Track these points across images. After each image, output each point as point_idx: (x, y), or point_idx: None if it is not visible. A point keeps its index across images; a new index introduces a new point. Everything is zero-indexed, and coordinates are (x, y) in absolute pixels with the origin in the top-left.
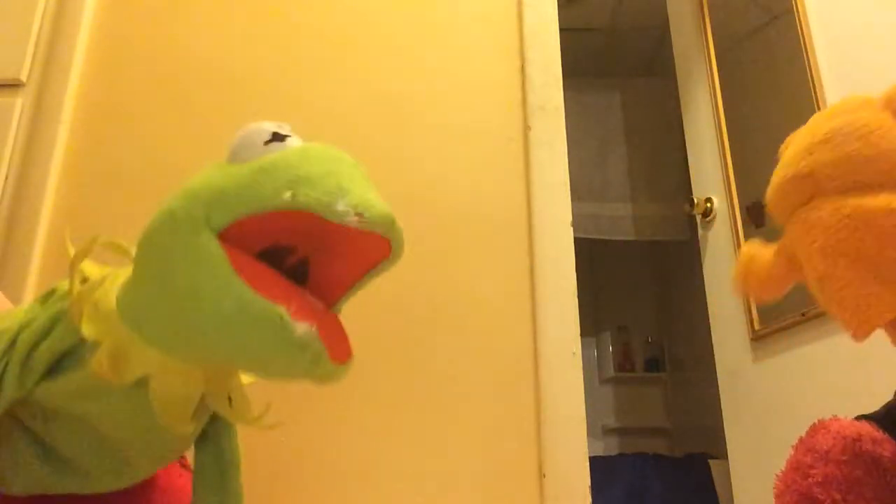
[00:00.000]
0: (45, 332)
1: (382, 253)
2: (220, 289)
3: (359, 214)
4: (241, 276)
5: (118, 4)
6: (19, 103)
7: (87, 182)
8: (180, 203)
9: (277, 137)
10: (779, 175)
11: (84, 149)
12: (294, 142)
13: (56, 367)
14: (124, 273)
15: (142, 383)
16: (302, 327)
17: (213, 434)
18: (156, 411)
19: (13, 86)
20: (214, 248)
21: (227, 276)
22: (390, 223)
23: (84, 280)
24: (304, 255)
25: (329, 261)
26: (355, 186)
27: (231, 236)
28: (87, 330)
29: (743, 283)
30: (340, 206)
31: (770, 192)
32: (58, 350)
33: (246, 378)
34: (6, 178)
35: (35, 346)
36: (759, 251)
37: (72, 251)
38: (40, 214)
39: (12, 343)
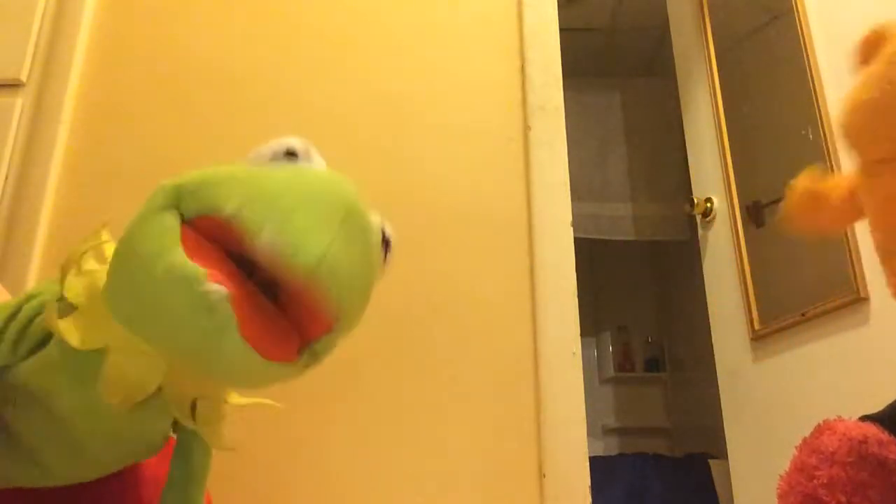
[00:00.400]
0: (41, 309)
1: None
2: (159, 254)
3: (276, 252)
4: (184, 248)
5: (118, 4)
6: (19, 103)
7: (87, 182)
8: (168, 183)
9: (290, 154)
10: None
11: (84, 149)
12: (304, 162)
13: (43, 344)
14: None
15: (102, 358)
16: (213, 287)
17: (185, 447)
18: (101, 384)
19: (13, 86)
20: (171, 221)
21: (170, 244)
22: (308, 274)
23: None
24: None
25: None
26: (306, 226)
27: (203, 230)
28: (67, 289)
29: (809, 216)
30: (264, 236)
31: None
32: (47, 328)
33: (237, 399)
34: (6, 178)
35: (34, 318)
36: (818, 184)
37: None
38: (40, 214)
39: (14, 315)
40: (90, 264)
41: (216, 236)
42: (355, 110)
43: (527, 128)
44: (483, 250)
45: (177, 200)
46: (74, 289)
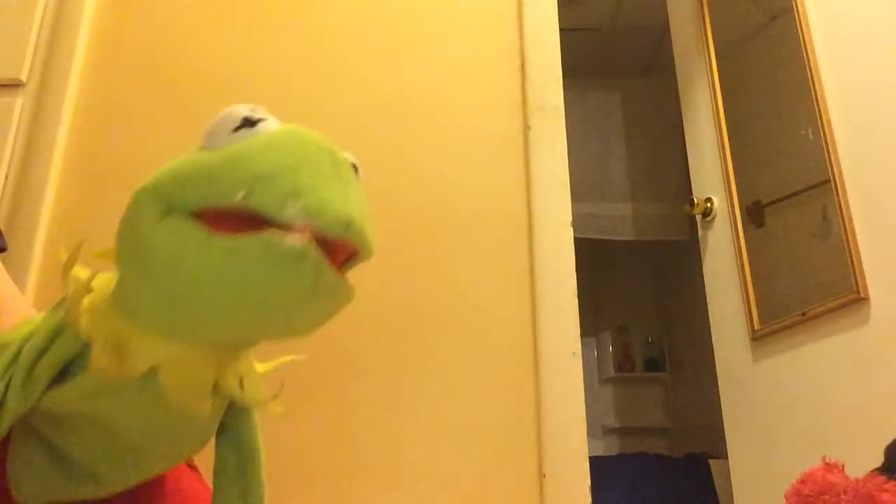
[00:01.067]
0: (48, 343)
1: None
2: (202, 248)
3: (310, 218)
4: (216, 231)
5: (118, 4)
6: (19, 103)
7: (87, 182)
8: (145, 190)
9: (247, 123)
10: None
11: (84, 149)
12: (266, 126)
13: (63, 375)
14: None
15: (153, 375)
16: (294, 238)
17: (232, 427)
18: (170, 399)
19: (13, 86)
20: (182, 220)
21: (204, 236)
22: (345, 226)
23: (78, 283)
24: None
25: None
26: (315, 183)
27: (208, 220)
28: (84, 328)
29: None
30: (290, 210)
31: None
32: (62, 360)
33: (260, 366)
34: (6, 178)
35: (38, 358)
36: None
37: (63, 257)
38: (40, 214)
39: (15, 357)
40: (92, 293)
41: (224, 222)
42: (355, 110)
43: (527, 128)
44: (483, 250)
45: (167, 201)
46: (90, 326)
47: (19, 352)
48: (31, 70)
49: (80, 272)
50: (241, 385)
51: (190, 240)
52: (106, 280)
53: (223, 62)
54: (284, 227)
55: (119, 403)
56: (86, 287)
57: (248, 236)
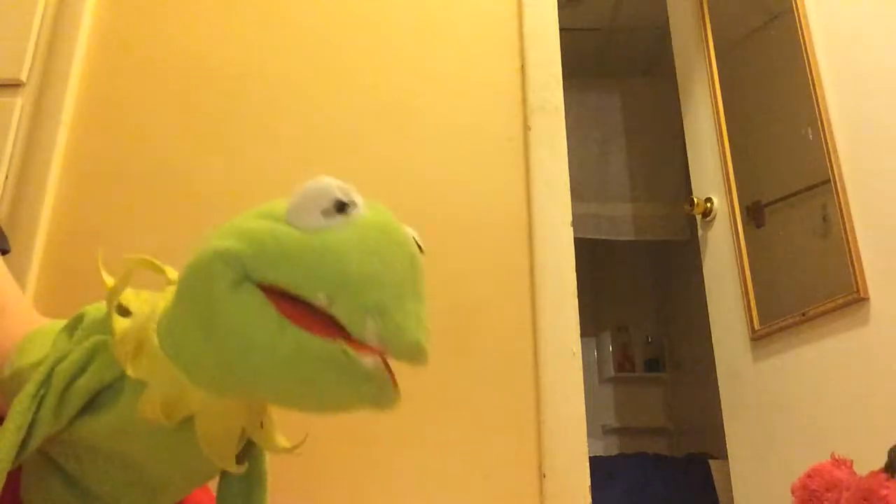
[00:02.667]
0: (83, 366)
1: None
2: (273, 335)
3: (385, 342)
4: (289, 320)
5: (118, 4)
6: (19, 103)
7: (87, 182)
8: (220, 255)
9: (339, 207)
10: None
11: (84, 149)
12: (357, 212)
13: (94, 403)
14: (163, 302)
15: (189, 422)
16: (368, 360)
17: (241, 453)
18: (203, 449)
19: (13, 86)
20: (258, 297)
21: (277, 321)
22: (415, 353)
23: (122, 311)
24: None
25: None
26: (395, 303)
27: (279, 292)
28: (134, 371)
29: None
30: (370, 331)
31: None
32: (95, 386)
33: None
34: (6, 178)
35: (72, 380)
36: None
37: (108, 279)
38: (40, 214)
39: (48, 377)
40: (141, 332)
41: (297, 305)
42: (355, 110)
43: (527, 128)
44: (483, 250)
45: (243, 271)
46: (141, 370)
47: (51, 371)
48: (31, 70)
49: (125, 297)
50: (262, 425)
51: (262, 323)
52: (150, 305)
53: (223, 62)
54: (358, 339)
55: (150, 444)
56: (135, 328)
57: (323, 340)
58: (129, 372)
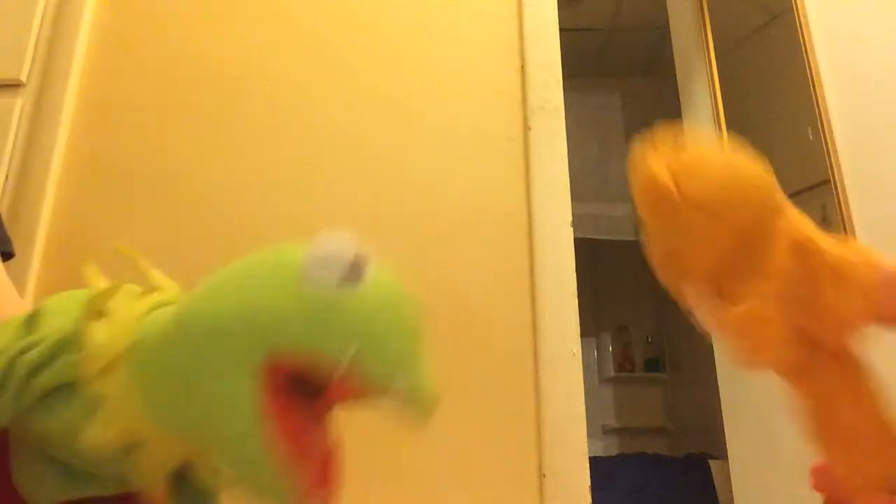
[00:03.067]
0: (48, 360)
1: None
2: (244, 432)
3: (403, 399)
4: (269, 420)
5: (118, 4)
6: (19, 103)
7: (87, 182)
8: (225, 332)
9: (354, 274)
10: None
11: (84, 149)
12: (367, 273)
13: (51, 396)
14: (142, 308)
15: (130, 451)
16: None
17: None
18: (136, 472)
19: (13, 86)
20: (249, 387)
21: (253, 420)
22: (431, 406)
23: (99, 314)
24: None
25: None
26: (417, 356)
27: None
28: (101, 387)
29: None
30: (395, 387)
31: None
32: (57, 380)
33: None
34: (6, 178)
35: (35, 371)
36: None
37: (93, 285)
38: (40, 214)
39: (11, 364)
40: (116, 353)
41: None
42: (355, 110)
43: (527, 128)
44: (483, 250)
45: (258, 341)
46: (105, 389)
47: (15, 360)
48: (31, 70)
49: (117, 309)
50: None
51: (239, 414)
52: (126, 312)
53: (223, 62)
54: (381, 390)
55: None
56: (114, 350)
57: (282, 466)
58: (96, 387)
